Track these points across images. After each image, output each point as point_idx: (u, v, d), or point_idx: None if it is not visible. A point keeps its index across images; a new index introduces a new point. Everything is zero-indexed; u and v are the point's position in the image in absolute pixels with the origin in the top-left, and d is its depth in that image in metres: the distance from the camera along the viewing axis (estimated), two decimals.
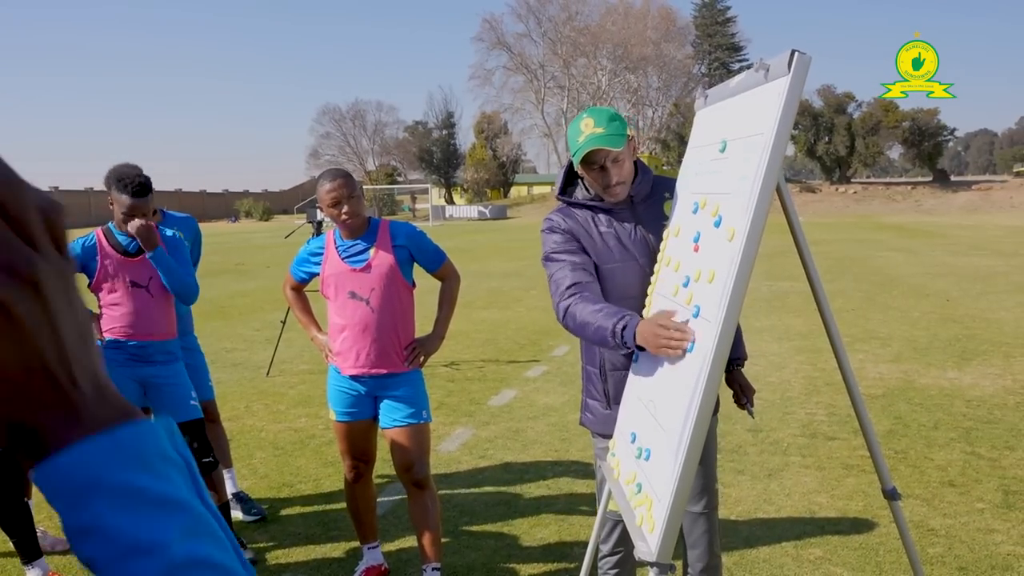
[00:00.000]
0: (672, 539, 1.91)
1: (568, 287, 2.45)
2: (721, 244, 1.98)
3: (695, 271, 2.10)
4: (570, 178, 2.67)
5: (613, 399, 2.60)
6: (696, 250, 2.16)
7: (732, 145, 2.12)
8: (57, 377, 0.47)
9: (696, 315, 2.02)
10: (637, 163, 2.59)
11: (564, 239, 2.55)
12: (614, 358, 2.58)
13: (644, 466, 2.17)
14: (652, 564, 1.92)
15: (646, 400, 2.29)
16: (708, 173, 2.28)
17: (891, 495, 2.44)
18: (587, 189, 2.60)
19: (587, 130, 2.42)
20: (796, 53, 1.81)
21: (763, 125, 1.89)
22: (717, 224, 2.04)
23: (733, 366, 2.92)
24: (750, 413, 2.96)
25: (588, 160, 2.44)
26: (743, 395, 2.93)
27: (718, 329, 1.86)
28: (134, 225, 3.41)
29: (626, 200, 2.55)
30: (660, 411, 2.13)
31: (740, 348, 2.92)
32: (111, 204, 3.48)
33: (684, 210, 2.40)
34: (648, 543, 1.97)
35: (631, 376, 2.49)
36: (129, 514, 0.46)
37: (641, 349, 2.22)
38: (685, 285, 2.15)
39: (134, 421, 0.49)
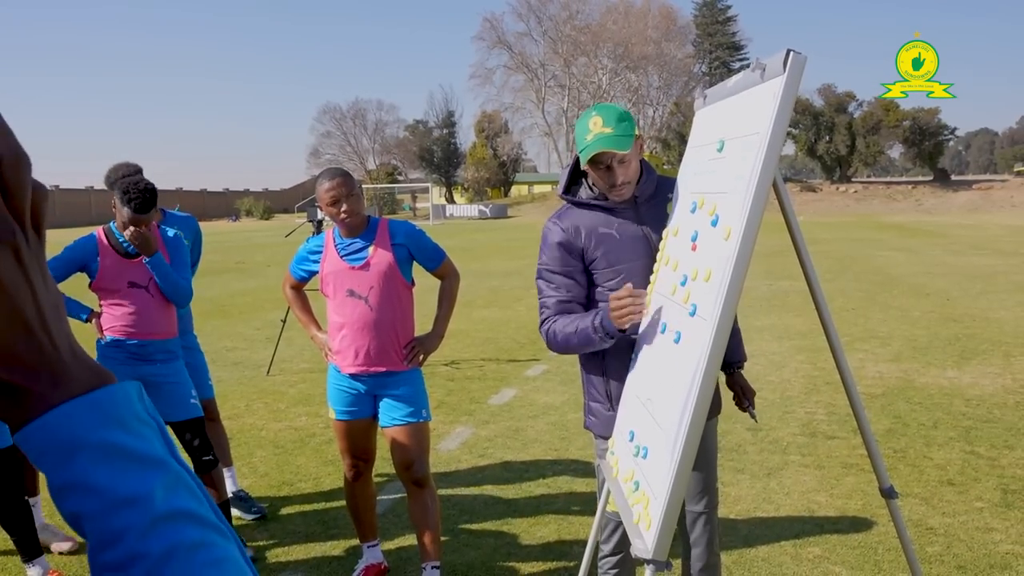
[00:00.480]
0: (668, 536, 1.92)
1: (549, 317, 2.53)
2: (718, 243, 1.98)
3: (692, 270, 2.11)
4: (575, 175, 2.66)
5: (616, 400, 2.59)
6: (694, 249, 2.17)
7: (729, 144, 2.13)
8: (39, 340, 0.50)
9: (692, 313, 2.03)
10: (643, 163, 2.58)
11: (560, 255, 2.55)
12: (615, 360, 2.58)
13: (642, 464, 2.17)
14: (648, 561, 1.93)
15: (644, 398, 2.29)
16: (706, 173, 2.29)
17: (888, 494, 2.45)
18: (591, 188, 2.59)
19: (595, 129, 2.40)
20: (791, 53, 1.82)
21: (759, 124, 1.90)
22: (714, 223, 2.04)
23: (733, 368, 2.92)
24: (752, 416, 2.96)
25: (595, 160, 2.44)
26: (744, 398, 2.93)
27: (714, 327, 1.86)
28: (129, 232, 3.42)
29: (630, 200, 2.54)
30: (657, 409, 2.13)
31: (739, 350, 2.91)
32: (114, 206, 3.48)
33: (683, 209, 2.40)
34: (645, 540, 1.98)
35: (629, 375, 2.49)
36: (113, 469, 0.48)
37: (622, 332, 2.31)
38: (683, 284, 2.16)
39: (109, 384, 0.52)
